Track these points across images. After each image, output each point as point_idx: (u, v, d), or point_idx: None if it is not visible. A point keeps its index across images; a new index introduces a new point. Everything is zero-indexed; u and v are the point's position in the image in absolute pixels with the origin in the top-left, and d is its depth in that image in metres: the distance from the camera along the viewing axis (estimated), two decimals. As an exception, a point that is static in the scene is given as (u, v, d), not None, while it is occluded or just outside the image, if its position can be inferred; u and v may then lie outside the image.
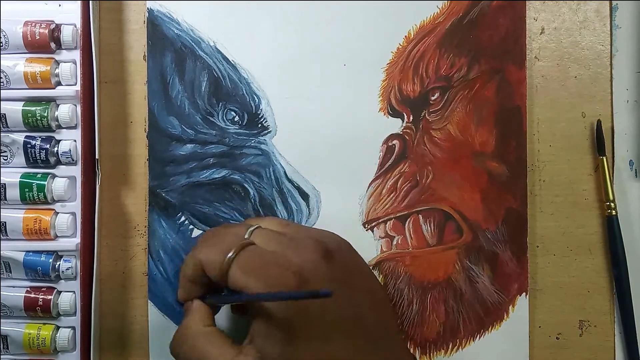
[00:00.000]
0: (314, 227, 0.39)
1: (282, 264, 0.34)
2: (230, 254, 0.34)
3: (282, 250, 0.35)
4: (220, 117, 0.43)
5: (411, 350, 0.42)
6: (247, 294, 0.33)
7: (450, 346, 0.42)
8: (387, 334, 0.36)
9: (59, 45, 0.41)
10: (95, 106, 0.41)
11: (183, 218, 0.42)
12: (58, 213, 0.41)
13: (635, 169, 0.43)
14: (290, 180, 0.43)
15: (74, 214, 0.41)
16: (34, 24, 0.40)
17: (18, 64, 0.40)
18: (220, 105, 0.43)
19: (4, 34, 0.40)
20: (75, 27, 0.40)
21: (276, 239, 0.36)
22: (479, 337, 0.42)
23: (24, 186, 0.40)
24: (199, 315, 0.36)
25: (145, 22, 0.42)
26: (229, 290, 0.35)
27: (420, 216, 0.42)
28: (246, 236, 0.36)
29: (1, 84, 0.40)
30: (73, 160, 0.41)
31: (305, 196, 0.43)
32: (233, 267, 0.34)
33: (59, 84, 0.41)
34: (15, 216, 0.40)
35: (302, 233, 0.37)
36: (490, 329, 0.42)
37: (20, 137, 0.40)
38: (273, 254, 0.34)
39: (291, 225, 0.38)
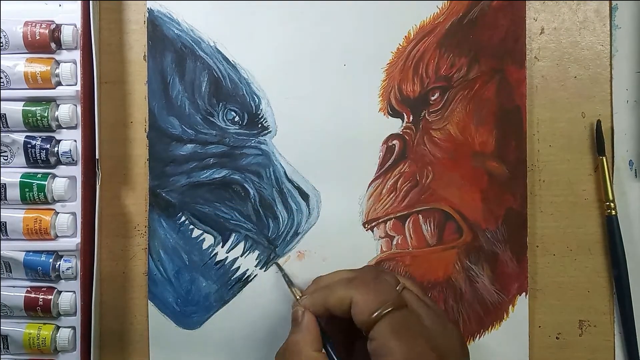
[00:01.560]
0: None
1: (430, 342, 0.34)
2: (385, 308, 0.34)
3: (432, 326, 0.35)
4: (220, 117, 0.43)
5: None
6: None
7: (450, 346, 0.42)
8: None
9: (59, 45, 0.41)
10: (95, 106, 0.41)
11: (183, 218, 0.42)
12: (58, 213, 0.41)
13: (635, 169, 0.43)
14: (290, 180, 0.43)
15: (74, 214, 0.41)
16: (34, 24, 0.40)
17: (18, 64, 0.40)
18: (220, 105, 0.43)
19: (4, 34, 0.40)
20: (76, 27, 0.40)
21: (425, 311, 0.36)
22: (479, 337, 0.42)
23: (24, 186, 0.40)
24: (311, 337, 0.36)
25: (146, 22, 0.42)
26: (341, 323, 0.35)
27: (420, 216, 0.42)
28: (398, 289, 0.36)
29: (1, 84, 0.40)
30: (73, 160, 0.41)
31: (305, 196, 0.43)
32: (384, 322, 0.34)
33: (59, 84, 0.41)
34: (15, 216, 0.40)
35: (440, 311, 0.38)
36: (490, 329, 0.42)
37: (20, 137, 0.40)
38: (424, 328, 0.35)
39: (427, 296, 0.39)
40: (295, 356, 0.35)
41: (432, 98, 0.43)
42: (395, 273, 0.41)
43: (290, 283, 0.40)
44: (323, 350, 0.36)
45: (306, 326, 0.36)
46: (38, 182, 0.40)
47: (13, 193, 0.40)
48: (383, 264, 0.42)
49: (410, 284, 0.38)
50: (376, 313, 0.34)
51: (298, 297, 0.38)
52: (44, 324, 0.41)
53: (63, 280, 0.41)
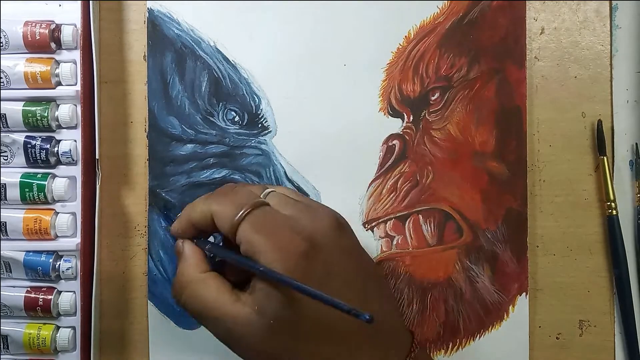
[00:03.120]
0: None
1: (295, 228, 0.34)
2: (244, 210, 0.34)
3: (296, 214, 0.35)
4: (220, 117, 0.43)
5: (411, 350, 0.42)
6: (252, 261, 0.33)
7: (450, 346, 0.42)
8: (390, 312, 0.37)
9: (59, 45, 0.41)
10: (95, 106, 0.41)
11: (183, 218, 0.42)
12: (58, 213, 0.41)
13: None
14: (290, 180, 0.43)
15: (74, 214, 0.41)
16: (34, 24, 0.40)
17: (18, 64, 0.40)
18: (220, 105, 0.43)
19: (4, 34, 0.40)
20: (76, 27, 0.40)
21: (292, 204, 0.36)
22: (479, 337, 0.42)
23: (24, 186, 0.40)
24: (194, 261, 0.36)
25: (146, 22, 0.42)
26: (228, 243, 0.35)
27: (420, 216, 0.42)
28: (262, 196, 0.36)
29: (1, 84, 0.40)
30: (73, 160, 0.41)
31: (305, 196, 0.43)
32: (244, 223, 0.34)
33: (59, 84, 0.41)
34: (15, 216, 0.40)
35: (316, 204, 0.38)
36: (490, 329, 0.42)
37: (20, 137, 0.40)
38: (287, 217, 0.35)
39: (303, 196, 0.39)
40: (184, 286, 0.35)
41: (432, 98, 0.43)
42: (269, 184, 0.41)
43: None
44: (210, 270, 0.36)
45: (187, 254, 0.36)
46: (38, 182, 0.40)
47: (13, 193, 0.40)
48: (383, 264, 0.42)
49: (283, 188, 0.38)
50: (236, 217, 0.34)
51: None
52: (44, 324, 0.41)
53: (63, 280, 0.41)
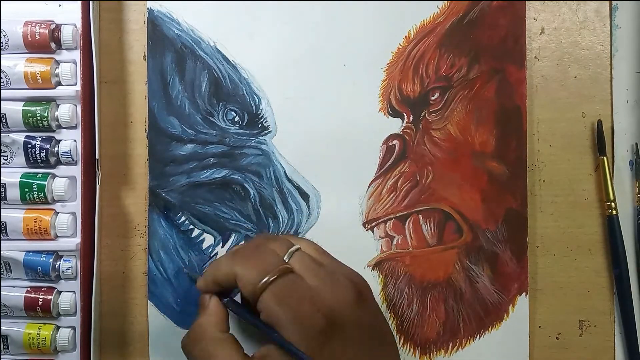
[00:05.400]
0: (343, 264, 0.39)
1: (316, 303, 0.34)
2: (267, 278, 0.34)
3: (318, 286, 0.35)
4: (220, 117, 0.43)
5: (411, 350, 0.42)
6: (271, 328, 0.33)
7: (450, 346, 0.42)
8: None
9: (59, 45, 0.41)
10: (95, 106, 0.41)
11: (183, 218, 0.42)
12: (58, 213, 0.41)
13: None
14: (290, 180, 0.43)
15: (74, 214, 0.41)
16: (34, 24, 0.40)
17: (18, 64, 0.40)
18: (220, 105, 0.43)
19: (4, 34, 0.40)
20: (75, 27, 0.40)
21: (314, 271, 0.36)
22: (479, 337, 0.42)
23: (24, 186, 0.40)
24: (216, 318, 0.36)
25: (146, 22, 0.42)
26: (250, 307, 0.35)
27: (420, 216, 0.42)
28: (286, 258, 0.36)
29: (1, 84, 0.40)
30: (73, 160, 0.41)
31: (305, 196, 0.43)
32: (268, 291, 0.34)
33: (59, 84, 0.41)
34: (15, 216, 0.40)
35: (338, 268, 0.37)
36: (490, 329, 0.42)
37: (20, 137, 0.40)
38: (309, 289, 0.34)
39: (327, 254, 0.38)
40: (200, 338, 0.35)
41: (432, 98, 0.43)
42: (292, 236, 0.40)
43: (194, 275, 0.40)
44: (229, 331, 0.36)
45: (211, 309, 0.36)
46: (38, 182, 0.40)
47: (13, 193, 0.40)
48: (383, 264, 0.42)
49: (306, 244, 0.38)
50: (260, 284, 0.34)
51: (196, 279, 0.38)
52: (44, 324, 0.41)
53: (63, 280, 0.41)
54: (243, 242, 0.42)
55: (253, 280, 0.34)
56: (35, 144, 0.40)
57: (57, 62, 0.41)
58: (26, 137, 0.40)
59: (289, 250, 0.36)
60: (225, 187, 0.42)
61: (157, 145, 0.42)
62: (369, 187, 0.43)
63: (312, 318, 0.33)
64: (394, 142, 0.43)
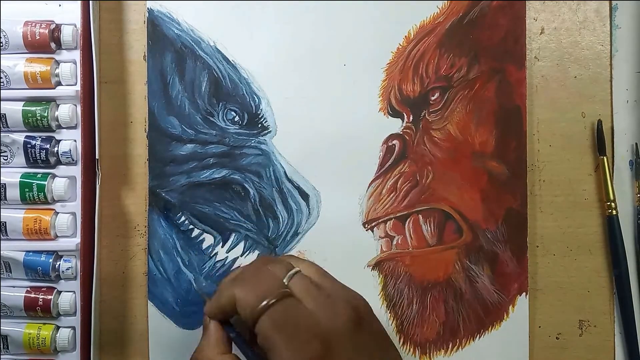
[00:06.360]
0: (345, 285, 0.38)
1: (313, 328, 0.33)
2: (265, 302, 0.34)
3: (316, 310, 0.34)
4: (220, 117, 0.43)
5: (411, 350, 0.42)
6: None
7: (450, 346, 0.42)
8: None
9: (59, 45, 0.41)
10: (95, 106, 0.41)
11: (183, 218, 0.42)
12: (58, 213, 0.41)
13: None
14: (290, 180, 0.43)
15: (74, 214, 0.41)
16: (34, 24, 0.40)
17: (18, 64, 0.40)
18: (220, 105, 0.43)
19: (4, 34, 0.40)
20: (75, 27, 0.40)
21: (313, 295, 0.35)
22: (479, 337, 0.42)
23: (24, 186, 0.40)
24: (216, 340, 0.36)
25: (145, 22, 0.42)
26: (250, 331, 0.35)
27: (420, 216, 0.42)
28: (285, 280, 0.35)
29: (1, 84, 0.40)
30: (73, 160, 0.41)
31: (305, 196, 0.43)
32: (265, 316, 0.33)
33: (59, 84, 0.41)
34: (15, 216, 0.40)
35: (339, 291, 0.37)
36: (490, 329, 0.42)
37: (20, 137, 0.40)
38: (306, 314, 0.34)
39: (328, 276, 0.38)
40: (201, 359, 0.35)
41: (432, 98, 0.43)
42: (294, 257, 0.40)
43: (204, 295, 0.40)
44: (230, 353, 0.36)
45: (212, 332, 0.36)
46: (38, 182, 0.40)
47: (13, 193, 0.40)
48: (383, 264, 0.42)
49: (307, 267, 0.38)
50: (258, 308, 0.34)
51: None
52: (44, 324, 0.41)
53: (63, 280, 0.41)
54: (244, 265, 0.41)
55: (251, 304, 0.34)
56: (35, 144, 0.40)
57: (57, 62, 0.41)
58: (26, 137, 0.40)
59: (289, 273, 0.36)
60: (225, 187, 0.42)
61: (157, 145, 0.42)
62: (369, 187, 0.43)
63: (309, 344, 0.33)
64: (394, 142, 0.43)
